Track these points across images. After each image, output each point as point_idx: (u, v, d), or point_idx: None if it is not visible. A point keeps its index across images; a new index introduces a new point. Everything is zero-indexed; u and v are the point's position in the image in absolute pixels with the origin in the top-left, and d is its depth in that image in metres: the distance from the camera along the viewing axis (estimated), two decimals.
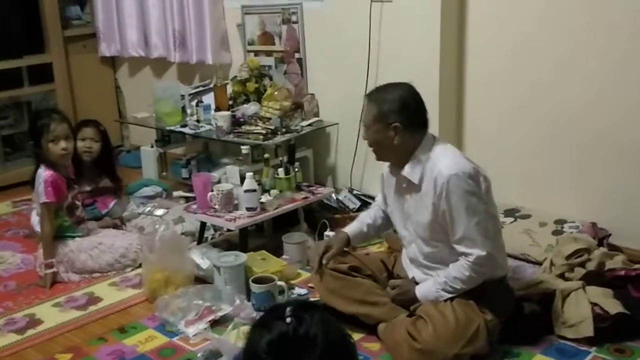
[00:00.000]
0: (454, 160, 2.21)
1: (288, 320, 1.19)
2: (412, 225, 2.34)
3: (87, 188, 3.47)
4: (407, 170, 2.27)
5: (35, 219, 3.19)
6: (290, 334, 1.18)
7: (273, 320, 1.22)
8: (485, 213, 2.20)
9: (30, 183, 3.11)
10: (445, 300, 2.23)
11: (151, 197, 3.81)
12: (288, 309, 1.21)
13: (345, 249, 2.54)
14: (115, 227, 3.38)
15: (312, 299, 2.69)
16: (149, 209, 3.57)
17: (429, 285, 2.29)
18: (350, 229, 2.58)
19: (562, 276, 2.54)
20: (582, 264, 2.54)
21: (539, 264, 2.72)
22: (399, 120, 2.22)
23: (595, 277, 2.47)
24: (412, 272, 2.40)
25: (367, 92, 2.35)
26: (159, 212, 3.52)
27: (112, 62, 4.93)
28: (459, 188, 2.15)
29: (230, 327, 2.42)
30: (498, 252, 2.26)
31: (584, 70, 2.88)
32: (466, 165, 2.20)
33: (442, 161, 2.21)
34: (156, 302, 2.65)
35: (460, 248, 2.20)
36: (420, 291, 2.31)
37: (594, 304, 2.30)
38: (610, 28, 2.78)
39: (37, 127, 2.99)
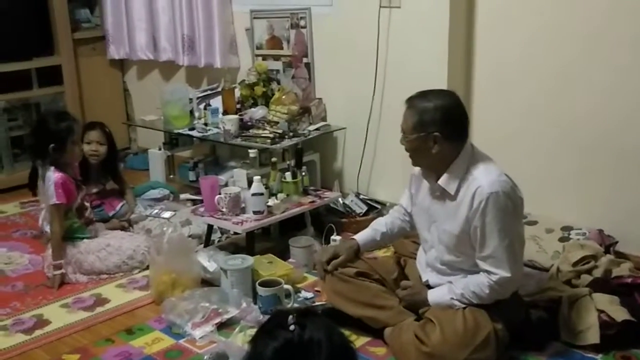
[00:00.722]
0: (497, 179, 2.15)
1: (292, 327, 1.20)
2: (436, 231, 2.31)
3: (94, 190, 3.50)
4: (444, 181, 2.22)
5: (44, 220, 3.21)
6: (296, 340, 1.20)
7: (276, 329, 1.23)
8: (517, 235, 2.19)
9: (29, 186, 3.13)
10: None
11: (158, 200, 3.83)
12: (291, 316, 1.22)
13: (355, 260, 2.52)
14: (123, 229, 3.40)
15: (319, 303, 2.70)
16: (156, 211, 3.59)
17: (443, 292, 2.27)
18: (362, 237, 2.55)
19: (568, 283, 2.54)
20: (588, 271, 2.54)
21: (546, 270, 2.72)
22: (440, 131, 2.17)
23: (601, 284, 2.47)
24: (427, 275, 2.39)
25: (408, 97, 2.25)
26: (166, 214, 3.54)
27: (121, 65, 4.96)
28: (497, 207, 2.11)
29: (236, 329, 2.43)
30: (519, 275, 2.23)
31: (590, 77, 2.88)
32: (507, 185, 2.16)
33: (483, 177, 2.15)
34: (163, 304, 2.66)
35: (485, 265, 2.18)
36: (432, 296, 2.30)
37: (600, 311, 2.30)
38: (615, 34, 2.78)
39: (61, 130, 3.02)
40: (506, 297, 2.22)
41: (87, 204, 3.15)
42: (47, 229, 3.08)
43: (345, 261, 2.49)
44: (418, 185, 2.41)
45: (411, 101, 2.25)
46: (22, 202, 4.06)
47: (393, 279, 2.50)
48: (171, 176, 4.15)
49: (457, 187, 2.20)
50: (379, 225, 2.59)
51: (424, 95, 2.24)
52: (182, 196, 3.91)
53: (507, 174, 2.21)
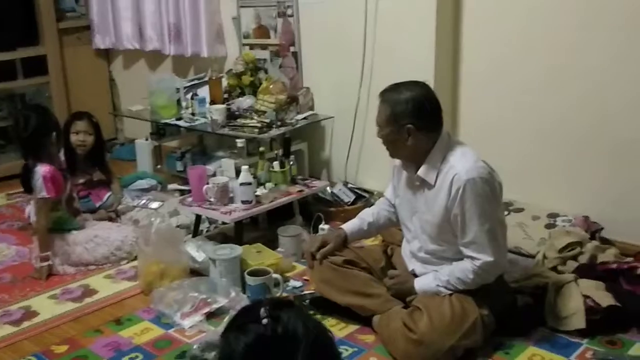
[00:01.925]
0: (473, 165, 2.17)
1: (264, 321, 1.13)
2: (419, 222, 2.33)
3: (81, 180, 3.48)
4: (423, 171, 2.24)
5: (31, 211, 3.19)
6: (269, 334, 1.13)
7: (247, 323, 1.15)
8: (496, 219, 2.21)
9: (22, 178, 3.11)
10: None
11: (146, 190, 3.82)
12: (262, 309, 1.14)
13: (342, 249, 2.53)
14: (111, 219, 3.39)
15: (307, 291, 2.71)
16: (143, 201, 3.58)
17: (429, 279, 2.29)
18: (349, 226, 2.57)
19: (554, 269, 2.58)
20: (574, 257, 2.57)
21: (532, 257, 2.75)
22: (413, 123, 2.19)
23: (587, 270, 2.50)
24: (413, 265, 2.41)
25: (381, 90, 2.29)
26: (154, 205, 3.54)
27: (107, 55, 4.92)
28: (475, 193, 2.13)
29: (225, 319, 2.43)
30: (503, 258, 2.26)
31: (577, 68, 2.90)
32: (484, 170, 2.18)
33: (460, 164, 2.18)
34: (152, 294, 2.66)
35: (468, 252, 2.20)
36: (419, 284, 2.32)
37: (586, 297, 2.33)
38: (603, 26, 2.80)
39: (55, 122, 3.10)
40: (491, 282, 2.24)
41: (75, 195, 3.14)
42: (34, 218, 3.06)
43: (333, 249, 2.50)
44: (399, 176, 2.44)
45: (384, 95, 2.27)
46: (9, 193, 4.04)
47: (380, 267, 2.52)
48: (158, 166, 4.14)
49: (435, 176, 2.22)
50: (366, 215, 2.61)
51: (396, 87, 2.26)
52: (170, 186, 3.90)
53: (484, 160, 2.23)
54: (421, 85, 2.28)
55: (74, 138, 3.42)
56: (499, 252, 2.20)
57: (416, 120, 2.20)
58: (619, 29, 2.76)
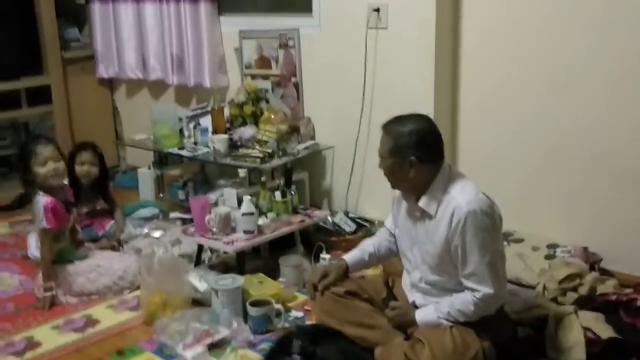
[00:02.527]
0: (474, 197, 2.19)
1: (296, 358, 1.12)
2: (419, 252, 2.35)
3: (84, 210, 3.50)
4: (424, 202, 2.27)
5: (32, 243, 3.21)
6: None
7: (281, 357, 1.14)
8: (496, 251, 2.23)
9: (18, 203, 3.12)
10: None
11: (148, 219, 3.85)
12: (295, 342, 1.15)
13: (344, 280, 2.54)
14: (113, 248, 3.41)
15: (309, 322, 2.73)
16: (146, 230, 3.60)
17: (430, 311, 2.31)
18: (351, 257, 2.59)
19: (555, 300, 2.59)
20: (574, 289, 2.59)
21: (532, 288, 2.77)
22: (416, 155, 2.22)
23: (587, 302, 2.52)
24: (413, 296, 2.42)
25: (383, 122, 2.32)
26: (156, 233, 3.56)
27: (110, 84, 4.98)
28: (475, 225, 2.16)
29: (228, 350, 2.45)
30: (503, 290, 2.27)
31: (576, 100, 2.94)
32: (484, 202, 2.20)
33: (461, 196, 2.20)
34: (154, 325, 2.66)
35: (468, 283, 2.21)
36: (420, 316, 2.33)
37: (586, 329, 2.34)
38: (604, 58, 2.84)
39: (24, 154, 3.01)
40: (491, 314, 2.26)
41: (78, 227, 3.16)
42: (37, 253, 3.07)
43: (335, 281, 2.52)
44: (399, 207, 2.47)
45: (387, 126, 2.30)
46: (12, 222, 4.06)
47: (382, 298, 2.53)
48: (160, 195, 4.17)
49: (436, 207, 2.25)
50: (366, 246, 2.63)
51: (398, 120, 2.29)
52: (172, 215, 3.93)
53: (484, 193, 2.26)
54: (424, 118, 2.32)
55: (78, 169, 3.46)
56: (499, 284, 2.22)
57: (419, 153, 2.23)
58: (620, 61, 2.81)
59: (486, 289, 2.19)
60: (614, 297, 2.51)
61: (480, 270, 2.18)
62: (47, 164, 2.97)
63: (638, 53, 2.76)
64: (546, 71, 3.01)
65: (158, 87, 4.64)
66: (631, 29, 2.75)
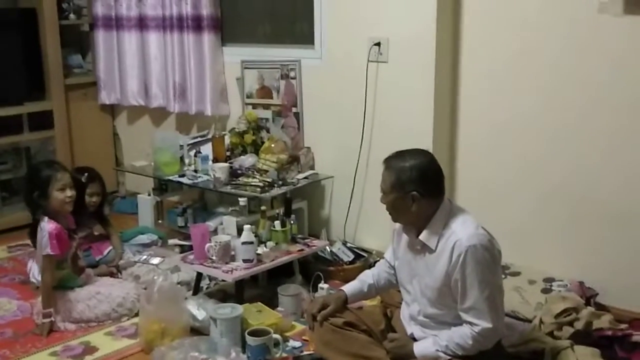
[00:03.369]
0: (474, 232, 2.23)
1: None
2: (418, 285, 2.38)
3: (82, 234, 3.52)
4: (425, 236, 2.30)
5: (35, 268, 3.22)
6: None
7: None
8: (495, 286, 2.26)
9: (29, 233, 3.16)
10: None
11: (147, 245, 3.86)
12: None
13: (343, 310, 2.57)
14: (112, 275, 3.42)
15: (306, 352, 2.74)
16: (145, 257, 3.61)
17: (429, 344, 2.33)
18: (350, 288, 2.61)
19: (551, 334, 2.61)
20: (570, 323, 2.62)
21: (529, 321, 2.79)
22: (417, 190, 2.26)
23: (583, 337, 2.54)
24: (411, 328, 2.45)
25: (385, 158, 2.37)
26: (155, 260, 3.57)
27: (111, 110, 5.02)
28: (476, 260, 2.19)
29: None
30: (501, 324, 2.30)
31: (574, 143, 3.00)
32: (484, 237, 2.24)
33: (462, 231, 2.24)
34: (152, 353, 2.67)
35: (467, 317, 2.24)
36: (418, 348, 2.35)
37: None
38: (599, 100, 2.91)
39: (42, 178, 3.05)
40: (489, 348, 2.28)
41: (80, 254, 3.18)
42: (40, 278, 3.08)
43: (334, 311, 2.54)
44: (399, 239, 2.50)
45: (388, 162, 2.35)
46: (10, 246, 4.07)
47: (380, 330, 2.55)
48: (159, 221, 4.18)
49: (437, 241, 2.28)
50: (366, 277, 2.65)
51: (400, 155, 2.34)
52: (171, 242, 3.94)
53: (484, 227, 2.29)
54: (425, 153, 2.36)
55: (87, 199, 3.58)
56: (497, 318, 2.25)
57: (420, 188, 2.27)
58: (616, 110, 2.87)
59: (485, 324, 2.21)
60: (609, 332, 2.53)
61: (479, 304, 2.21)
62: (65, 190, 3.04)
63: (635, 102, 2.82)
64: (545, 113, 3.07)
65: (159, 115, 4.68)
66: (632, 79, 2.82)
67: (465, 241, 2.21)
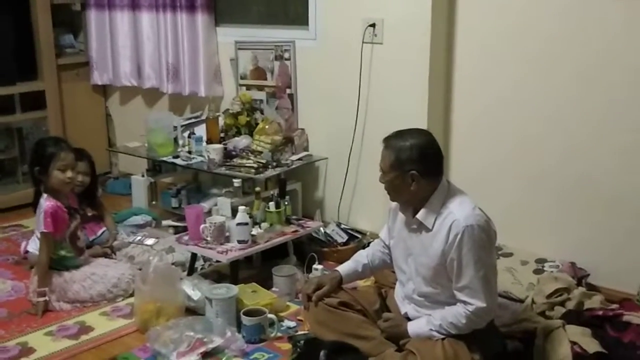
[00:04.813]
0: (471, 212, 2.25)
1: None
2: (414, 264, 2.40)
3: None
4: (422, 215, 2.32)
5: (33, 244, 3.22)
6: None
7: None
8: (491, 266, 2.28)
9: (34, 207, 3.16)
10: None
11: (141, 226, 3.87)
12: (322, 352, 1.15)
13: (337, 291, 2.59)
14: (106, 255, 3.42)
15: (301, 332, 2.76)
16: (139, 238, 3.62)
17: (422, 323, 2.36)
18: (344, 268, 2.64)
19: (543, 314, 2.65)
20: (562, 303, 2.65)
21: (521, 301, 2.82)
22: (417, 169, 2.27)
23: (574, 316, 2.58)
24: (406, 308, 2.47)
25: (385, 137, 2.37)
26: (149, 241, 3.57)
27: (104, 90, 4.99)
28: (472, 240, 2.21)
29: (223, 358, 2.47)
30: (495, 304, 2.33)
31: (566, 122, 3.02)
32: (481, 218, 2.26)
33: (459, 211, 2.25)
34: (148, 332, 2.68)
35: (461, 296, 2.26)
36: (412, 328, 2.38)
37: (573, 343, 2.39)
38: (592, 82, 2.92)
39: (46, 155, 3.03)
40: (482, 327, 2.30)
41: (80, 234, 3.17)
42: (36, 250, 3.09)
43: (328, 292, 2.56)
44: (394, 218, 2.51)
45: (388, 141, 2.35)
46: (3, 226, 4.06)
47: (375, 310, 2.57)
48: (153, 202, 4.18)
49: (434, 220, 2.30)
50: (360, 257, 2.67)
51: (400, 134, 2.35)
52: (164, 223, 3.95)
53: (480, 208, 2.31)
54: (425, 133, 2.38)
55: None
56: (491, 298, 2.27)
57: (420, 167, 2.28)
58: (610, 90, 2.88)
59: (479, 303, 2.24)
60: (600, 312, 2.57)
61: (474, 284, 2.23)
62: (66, 171, 3.03)
63: (627, 84, 2.84)
64: (538, 93, 3.08)
65: (152, 95, 4.66)
66: (625, 59, 2.83)
67: (462, 221, 2.23)
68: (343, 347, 1.15)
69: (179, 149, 3.97)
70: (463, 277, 2.24)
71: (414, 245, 2.39)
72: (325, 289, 2.55)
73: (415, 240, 2.38)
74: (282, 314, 2.91)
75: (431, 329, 2.32)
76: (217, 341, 2.62)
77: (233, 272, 3.10)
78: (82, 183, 3.54)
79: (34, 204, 3.16)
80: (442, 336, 2.30)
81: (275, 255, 3.37)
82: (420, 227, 2.35)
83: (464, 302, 2.26)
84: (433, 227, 2.30)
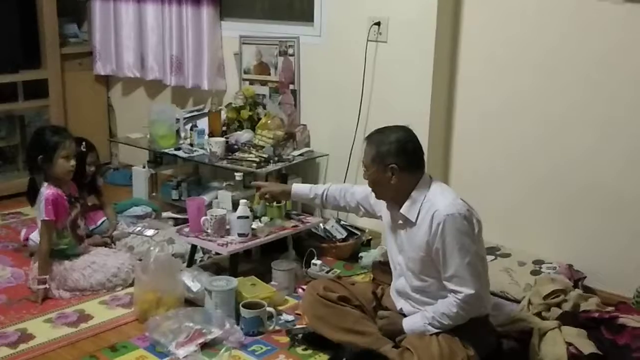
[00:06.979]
0: (452, 202, 2.30)
1: None
2: (404, 259, 2.44)
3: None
4: (406, 209, 2.37)
5: (36, 234, 3.23)
6: None
7: None
8: (476, 254, 2.32)
9: (27, 195, 3.17)
10: (431, 334, 2.33)
11: (141, 217, 3.88)
12: None
13: (282, 199, 3.05)
14: (106, 245, 3.44)
15: (299, 326, 2.78)
16: (139, 228, 3.63)
17: (417, 318, 2.39)
18: (298, 187, 2.87)
19: (539, 315, 2.66)
20: (558, 305, 2.67)
21: (518, 302, 2.85)
22: (396, 162, 2.33)
23: (570, 318, 2.60)
24: (400, 303, 2.50)
25: (367, 134, 2.45)
26: (149, 232, 3.59)
27: (106, 81, 5.00)
28: (454, 228, 2.26)
29: (222, 350, 2.49)
30: (485, 292, 2.37)
31: (568, 127, 3.04)
32: (462, 207, 2.31)
33: (439, 201, 2.31)
34: (147, 322, 2.71)
35: (450, 285, 2.30)
36: (407, 324, 2.41)
37: (569, 344, 2.42)
38: (595, 88, 2.95)
39: (50, 143, 3.05)
40: (474, 316, 2.33)
41: (81, 222, 3.19)
42: (37, 239, 3.10)
43: (272, 192, 2.89)
44: (385, 216, 2.55)
45: (369, 137, 2.44)
46: (3, 214, 4.07)
47: (373, 307, 2.59)
48: (153, 194, 4.20)
49: (417, 213, 2.35)
50: (321, 187, 2.82)
51: (381, 130, 2.43)
52: (164, 214, 3.96)
53: (463, 199, 2.36)
54: (404, 129, 2.43)
55: (87, 169, 3.54)
56: (480, 284, 2.30)
57: (399, 160, 2.34)
58: (613, 99, 2.91)
59: (467, 290, 2.27)
60: (596, 315, 2.59)
61: (460, 272, 2.27)
62: (70, 159, 3.06)
63: (629, 90, 2.86)
64: (541, 98, 3.10)
65: (154, 87, 4.67)
66: (628, 66, 2.86)
67: (443, 210, 2.27)
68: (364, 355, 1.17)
69: (181, 142, 3.99)
70: (449, 266, 2.28)
71: (402, 242, 2.44)
72: (272, 187, 2.92)
73: (404, 236, 2.42)
74: (280, 308, 2.94)
75: (425, 323, 2.35)
76: (216, 332, 2.65)
77: (232, 265, 3.12)
78: (92, 173, 3.57)
79: (28, 193, 3.17)
80: (437, 330, 2.32)
81: (274, 249, 3.39)
82: (406, 223, 2.40)
83: (454, 292, 2.30)
84: (417, 220, 2.34)
